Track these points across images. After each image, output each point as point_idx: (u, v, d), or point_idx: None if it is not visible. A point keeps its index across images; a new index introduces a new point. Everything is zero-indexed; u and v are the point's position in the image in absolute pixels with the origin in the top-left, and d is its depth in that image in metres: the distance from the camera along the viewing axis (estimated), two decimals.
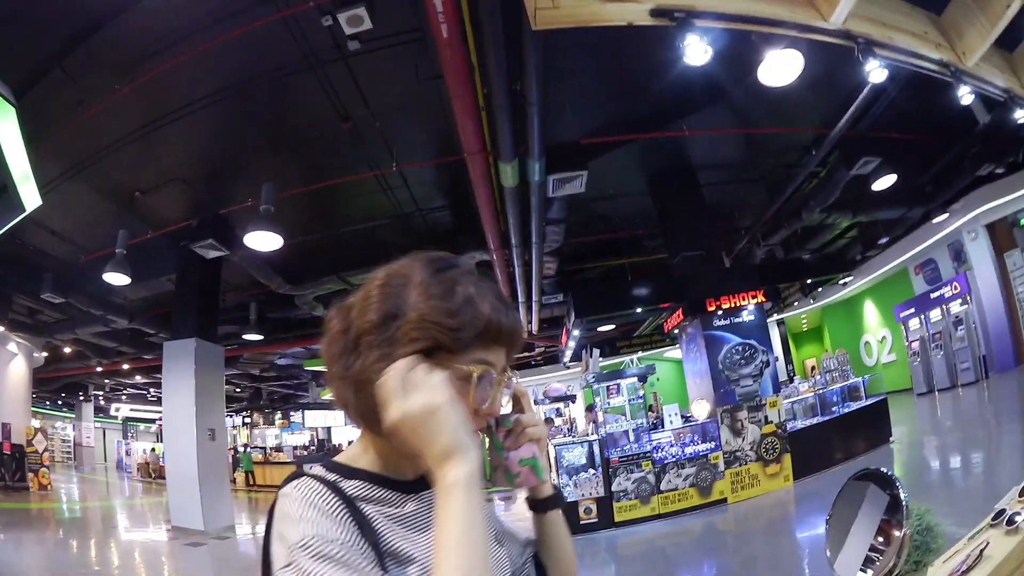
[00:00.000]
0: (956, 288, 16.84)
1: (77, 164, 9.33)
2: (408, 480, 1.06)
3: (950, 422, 13.62)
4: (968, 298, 16.50)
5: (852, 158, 10.01)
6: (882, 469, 1.54)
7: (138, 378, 25.10)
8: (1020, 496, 2.35)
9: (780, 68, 6.35)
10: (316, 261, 12.56)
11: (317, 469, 1.03)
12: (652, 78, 8.17)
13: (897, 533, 1.43)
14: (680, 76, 7.23)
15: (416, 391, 0.89)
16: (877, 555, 1.48)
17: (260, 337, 15.41)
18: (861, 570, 1.50)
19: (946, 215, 14.99)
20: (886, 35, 6.19)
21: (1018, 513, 2.13)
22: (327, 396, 25.46)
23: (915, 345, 18.16)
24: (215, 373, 12.67)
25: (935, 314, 17.90)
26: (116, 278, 10.61)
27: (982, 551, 1.99)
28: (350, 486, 0.99)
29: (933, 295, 17.87)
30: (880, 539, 1.47)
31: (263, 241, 9.34)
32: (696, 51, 5.66)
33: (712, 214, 11.77)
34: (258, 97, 8.15)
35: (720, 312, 11.16)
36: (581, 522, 9.93)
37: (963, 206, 14.90)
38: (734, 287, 11.28)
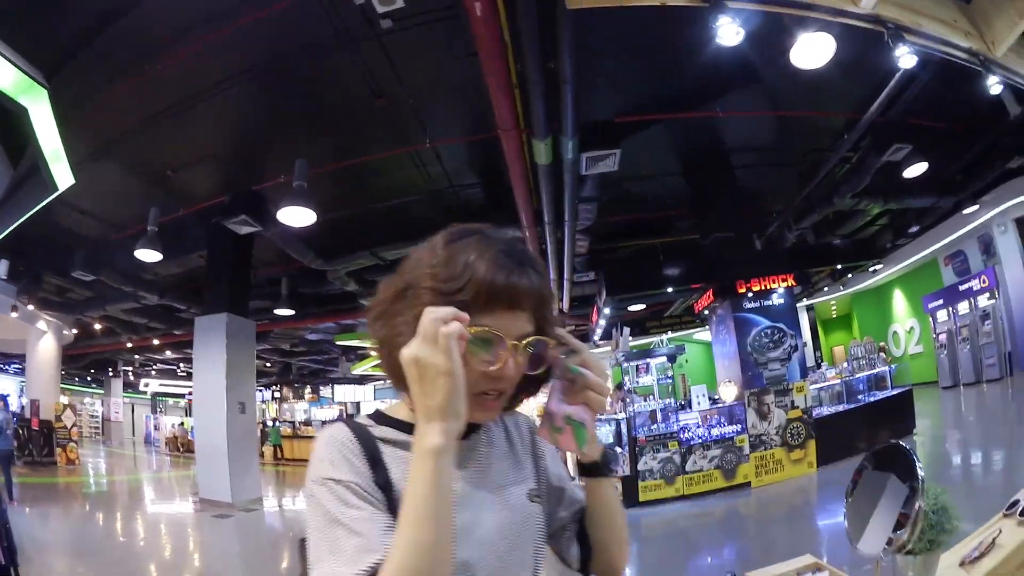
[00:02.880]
0: (984, 281, 16.74)
1: (108, 143, 9.41)
2: None
3: (973, 417, 13.63)
4: (996, 292, 16.39)
5: (883, 144, 9.93)
6: (901, 443, 1.58)
7: (168, 353, 25.33)
8: None
9: (812, 51, 6.36)
10: (349, 237, 12.58)
11: (361, 417, 1.22)
12: (686, 58, 8.07)
13: (913, 507, 1.46)
14: (714, 57, 7.17)
15: (430, 343, 0.93)
16: (894, 528, 1.51)
17: (291, 312, 15.54)
18: (877, 542, 1.53)
19: (976, 207, 14.83)
20: (915, 21, 6.09)
21: None
22: (357, 370, 25.68)
23: (942, 337, 17.99)
24: (246, 347, 12.84)
25: (963, 307, 17.76)
26: (148, 255, 10.82)
27: (994, 539, 2.03)
28: (379, 432, 1.15)
29: (962, 287, 17.74)
30: (898, 513, 1.50)
31: (296, 217, 9.41)
32: (728, 32, 5.66)
33: (744, 197, 11.73)
34: (291, 74, 8.15)
35: (750, 294, 11.18)
36: None
37: (993, 198, 14.72)
38: (765, 270, 11.30)
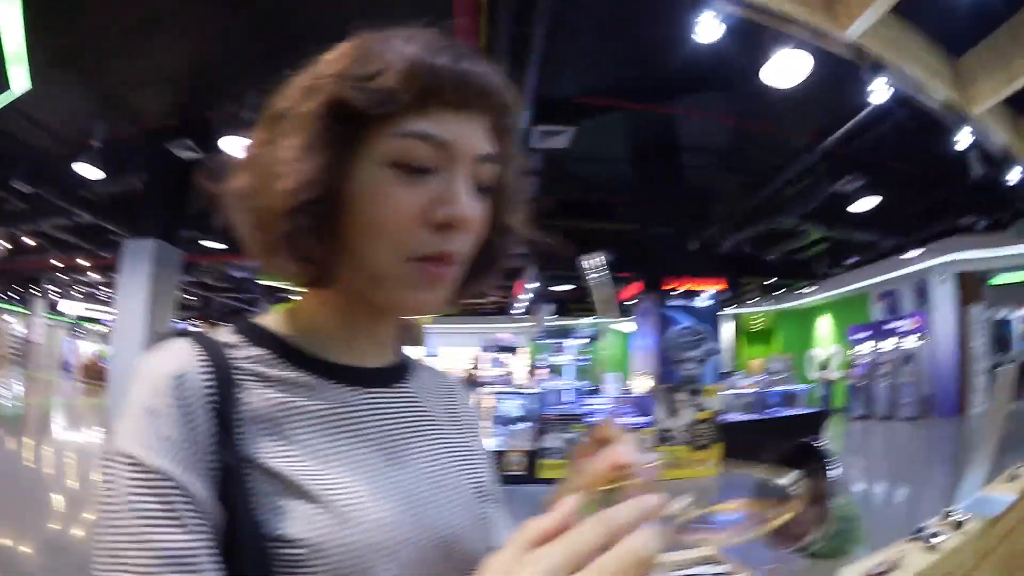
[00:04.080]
0: (915, 324, 17.44)
1: (68, 53, 9.07)
2: (344, 364, 0.78)
3: (880, 449, 13.95)
4: (924, 336, 17.10)
5: (838, 173, 10.13)
6: (815, 442, 1.45)
7: (94, 276, 24.68)
8: (942, 519, 2.52)
9: (787, 69, 6.42)
10: None
11: (224, 331, 0.76)
12: (657, 50, 8.09)
13: (824, 508, 1.35)
14: (685, 54, 7.11)
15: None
16: (800, 525, 1.34)
17: (222, 246, 15.26)
18: (781, 537, 1.38)
19: (919, 252, 15.32)
20: (898, 60, 6.12)
21: (937, 533, 2.31)
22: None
23: (861, 370, 18.59)
24: (171, 277, 12.55)
25: (887, 344, 18.41)
26: (89, 171, 10.62)
27: (897, 561, 2.11)
28: (247, 355, 0.72)
29: (890, 325, 18.36)
30: (805, 510, 1.43)
31: (239, 147, 9.21)
32: (709, 28, 5.71)
33: (689, 197, 11.77)
34: (259, 3, 8.11)
35: (678, 293, 11.30)
36: (506, 473, 10.02)
37: (938, 248, 15.34)
38: (696, 271, 11.45)
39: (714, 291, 11.51)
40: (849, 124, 8.49)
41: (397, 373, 0.85)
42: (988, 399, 14.54)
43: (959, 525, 2.44)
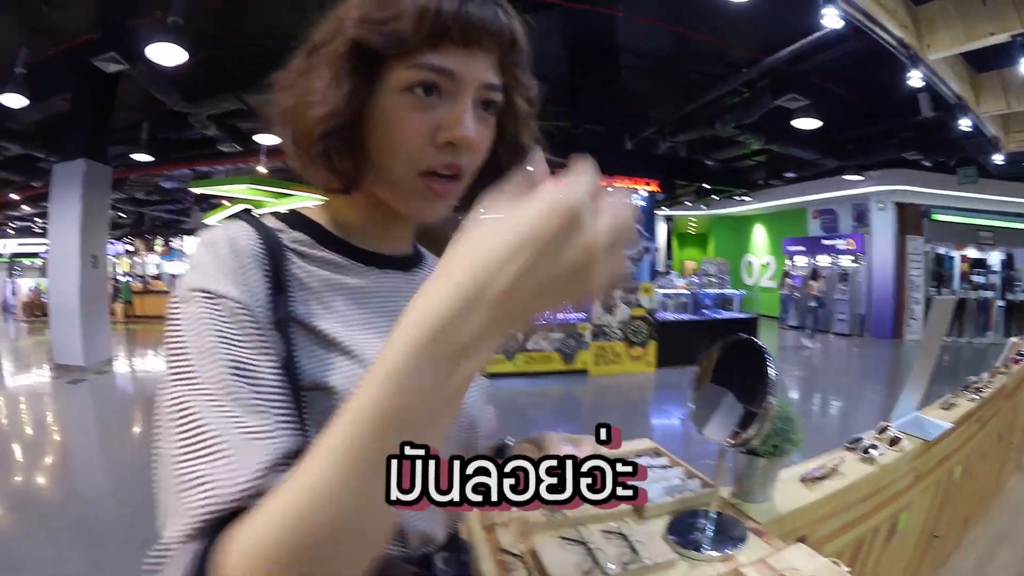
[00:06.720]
0: (851, 245, 17.97)
1: None
2: (369, 250, 0.93)
3: (817, 362, 14.15)
4: (860, 258, 17.64)
5: (780, 89, 10.17)
6: (754, 339, 1.51)
7: (25, 208, 23.84)
8: (879, 433, 2.55)
9: None
10: (216, 78, 11.83)
11: (267, 217, 0.89)
12: None
13: (762, 405, 1.40)
14: None
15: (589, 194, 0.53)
16: (740, 423, 1.45)
17: (150, 158, 14.79)
18: (723, 431, 1.47)
19: (861, 177, 15.74)
20: None
21: (875, 446, 2.33)
22: (209, 220, 24.42)
23: (796, 280, 19.00)
24: (102, 195, 12.24)
25: (823, 260, 18.92)
26: (14, 100, 10.22)
27: (836, 467, 2.14)
28: (291, 238, 0.86)
29: (826, 242, 18.87)
30: (744, 408, 1.45)
31: (166, 55, 8.96)
32: None
33: (625, 97, 11.69)
34: None
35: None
36: None
37: (880, 177, 15.79)
38: (630, 170, 11.50)
39: (648, 191, 11.54)
40: (797, 45, 8.52)
41: (412, 261, 1.01)
42: (924, 327, 15.04)
43: (895, 442, 2.49)
